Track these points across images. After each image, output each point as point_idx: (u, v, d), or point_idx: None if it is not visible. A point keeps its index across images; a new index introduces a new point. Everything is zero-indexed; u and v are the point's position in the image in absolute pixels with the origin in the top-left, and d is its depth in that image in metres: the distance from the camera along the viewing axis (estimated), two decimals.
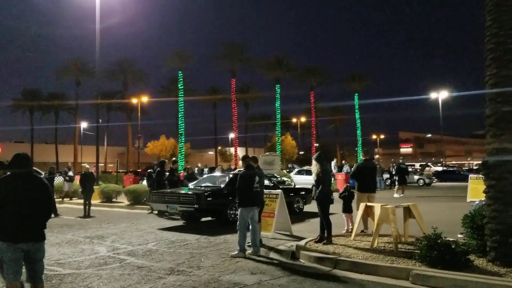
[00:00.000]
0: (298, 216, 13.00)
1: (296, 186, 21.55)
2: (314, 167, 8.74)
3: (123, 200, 18.61)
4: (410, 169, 38.12)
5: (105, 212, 16.18)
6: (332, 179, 21.99)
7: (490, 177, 6.31)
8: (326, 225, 8.38)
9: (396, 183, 22.65)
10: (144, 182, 19.68)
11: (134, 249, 8.70)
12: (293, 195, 14.04)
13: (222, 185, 12.63)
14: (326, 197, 8.63)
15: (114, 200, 19.28)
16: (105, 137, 60.01)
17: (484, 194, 6.55)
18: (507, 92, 6.11)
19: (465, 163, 78.38)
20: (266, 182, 13.42)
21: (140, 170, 37.55)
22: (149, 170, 16.69)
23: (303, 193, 14.57)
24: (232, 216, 11.51)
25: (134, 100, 50.03)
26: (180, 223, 12.63)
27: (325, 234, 8.34)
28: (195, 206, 11.35)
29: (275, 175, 23.38)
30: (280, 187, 14.47)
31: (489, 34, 6.32)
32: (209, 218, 12.54)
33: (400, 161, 25.29)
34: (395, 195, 20.83)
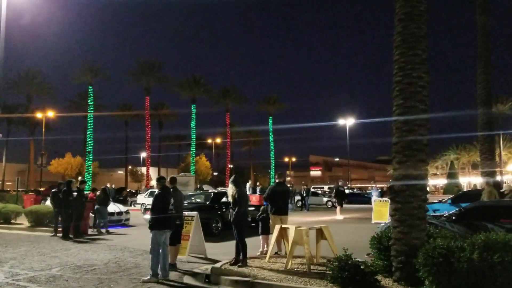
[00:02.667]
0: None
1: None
2: (230, 189, 8.77)
3: (24, 221, 17.16)
4: (319, 191, 39.80)
5: (3, 234, 14.77)
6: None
7: (396, 200, 6.71)
8: (241, 247, 8.36)
9: (337, 205, 23.17)
10: (47, 203, 18.33)
11: (36, 275, 8.02)
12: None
13: (207, 202, 14.91)
14: (242, 219, 8.65)
15: (13, 221, 17.71)
16: (4, 153, 55.53)
17: (388, 216, 6.94)
18: (412, 122, 6.60)
19: (368, 187, 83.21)
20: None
21: (42, 190, 35.00)
22: (53, 190, 15.59)
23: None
24: (215, 228, 13.95)
25: (39, 115, 46.77)
26: (86, 246, 11.89)
27: (241, 257, 8.32)
28: None
29: None
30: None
31: (396, 67, 6.82)
32: None
33: (340, 183, 25.91)
34: (340, 217, 21.50)
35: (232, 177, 9.06)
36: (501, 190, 11.68)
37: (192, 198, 16.90)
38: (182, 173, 40.38)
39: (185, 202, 15.49)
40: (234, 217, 8.53)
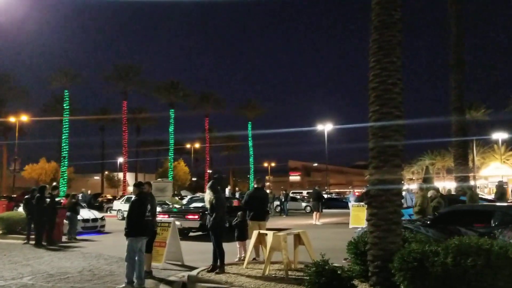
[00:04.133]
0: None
1: None
2: (208, 195, 8.71)
3: None
4: (298, 196, 39.99)
5: None
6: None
7: (373, 205, 6.75)
8: (219, 254, 8.30)
9: (318, 209, 22.93)
10: (20, 209, 17.88)
11: (6, 284, 7.81)
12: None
13: None
14: (220, 225, 8.59)
15: None
16: None
17: (366, 221, 6.99)
18: (387, 127, 6.67)
19: (346, 191, 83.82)
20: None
21: (15, 196, 34.13)
22: (26, 196, 15.23)
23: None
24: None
25: (12, 119, 45.60)
26: (60, 254, 11.63)
27: (218, 263, 8.25)
28: (200, 222, 13.93)
29: (167, 202, 22.88)
30: None
31: (373, 74, 6.89)
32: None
33: (317, 188, 25.41)
34: (318, 223, 21.32)
35: (210, 183, 9.01)
36: (429, 196, 11.88)
37: (198, 203, 17.72)
38: (159, 179, 40.03)
39: (191, 206, 17.02)
40: (211, 223, 8.47)
